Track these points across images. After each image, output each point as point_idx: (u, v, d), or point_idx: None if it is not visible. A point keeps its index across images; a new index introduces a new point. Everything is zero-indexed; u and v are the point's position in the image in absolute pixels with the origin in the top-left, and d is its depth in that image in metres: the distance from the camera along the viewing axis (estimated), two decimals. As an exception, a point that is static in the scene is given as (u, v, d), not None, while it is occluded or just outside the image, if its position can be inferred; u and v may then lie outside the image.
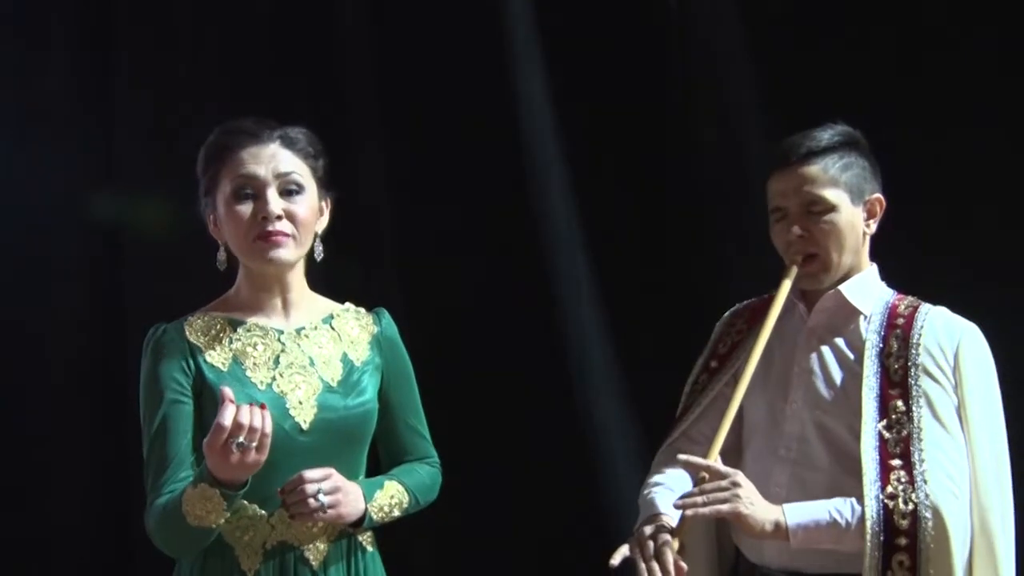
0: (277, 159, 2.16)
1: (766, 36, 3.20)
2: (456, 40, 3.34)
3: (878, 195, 2.30)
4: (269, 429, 1.96)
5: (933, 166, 3.00)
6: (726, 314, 2.49)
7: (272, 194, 2.14)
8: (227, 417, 1.93)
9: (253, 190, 2.15)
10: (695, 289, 3.23)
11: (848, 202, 2.25)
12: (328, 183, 2.25)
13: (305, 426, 2.14)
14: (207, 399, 2.12)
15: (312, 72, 3.37)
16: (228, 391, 1.98)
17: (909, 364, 2.19)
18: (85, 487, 3.37)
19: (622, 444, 3.28)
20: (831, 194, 2.23)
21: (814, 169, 2.24)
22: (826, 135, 2.27)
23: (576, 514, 3.23)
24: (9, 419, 3.33)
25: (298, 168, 2.18)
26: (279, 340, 2.19)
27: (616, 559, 2.10)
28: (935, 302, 2.29)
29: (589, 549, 3.17)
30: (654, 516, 2.18)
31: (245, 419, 1.94)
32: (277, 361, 2.17)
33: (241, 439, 1.93)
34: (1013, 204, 3.01)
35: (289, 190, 2.16)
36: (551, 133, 3.33)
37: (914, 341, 2.21)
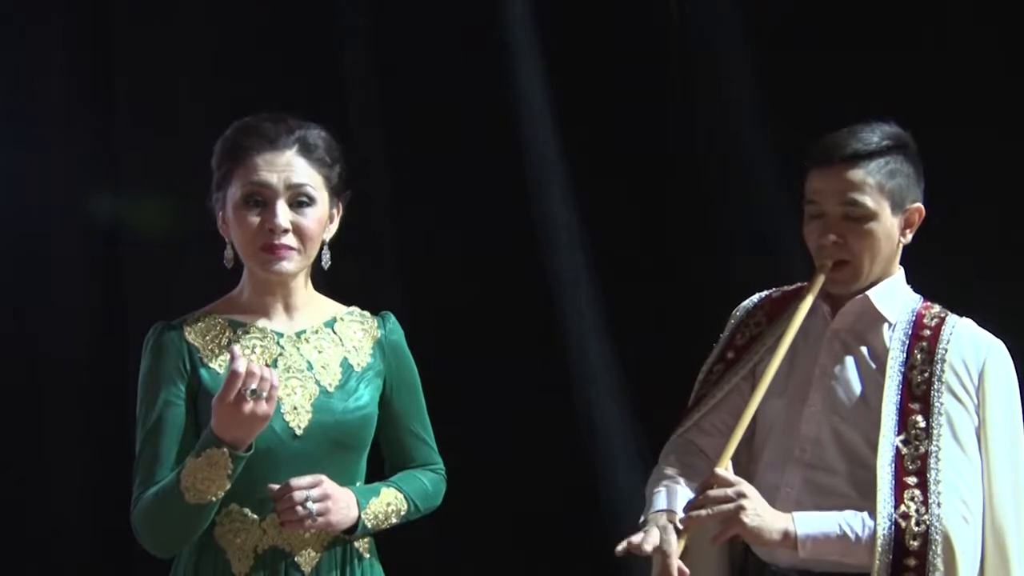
0: (291, 168, 2.12)
1: (766, 36, 3.20)
2: (456, 40, 3.34)
3: (919, 204, 2.22)
4: (277, 383, 1.99)
5: (933, 166, 3.00)
6: (746, 303, 2.42)
7: (281, 206, 2.11)
8: (241, 365, 1.95)
9: (263, 198, 2.11)
10: (695, 289, 3.23)
11: (888, 211, 2.18)
12: (341, 189, 2.22)
13: (299, 431, 2.13)
14: (202, 401, 2.11)
15: (312, 72, 3.37)
16: (236, 348, 2.01)
17: (933, 379, 2.15)
18: (85, 487, 3.37)
19: (622, 443, 3.28)
20: (872, 202, 2.16)
21: (859, 173, 2.16)
22: (875, 137, 2.18)
23: (576, 513, 3.23)
24: (9, 419, 3.34)
25: (312, 180, 2.14)
26: (278, 343, 2.18)
27: (621, 548, 2.09)
28: (941, 302, 2.27)
29: (589, 548, 3.19)
30: (668, 512, 2.17)
31: (256, 369, 1.96)
32: (274, 365, 2.15)
33: (254, 387, 1.94)
34: (1015, 204, 3.01)
35: (300, 201, 2.13)
36: (551, 133, 3.33)
37: (939, 356, 2.17)
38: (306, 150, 2.15)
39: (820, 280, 2.21)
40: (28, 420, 3.36)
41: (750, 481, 2.17)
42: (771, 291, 2.40)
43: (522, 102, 3.32)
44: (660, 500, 2.22)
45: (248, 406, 1.95)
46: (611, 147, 3.33)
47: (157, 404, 2.11)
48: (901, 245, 2.24)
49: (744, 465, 2.28)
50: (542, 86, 3.33)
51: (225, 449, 1.99)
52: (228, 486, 2.02)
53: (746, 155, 3.23)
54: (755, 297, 2.43)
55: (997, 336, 2.23)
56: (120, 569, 3.32)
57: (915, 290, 2.30)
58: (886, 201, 2.17)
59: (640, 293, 3.29)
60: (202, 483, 2.00)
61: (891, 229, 2.20)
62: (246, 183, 2.12)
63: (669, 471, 2.29)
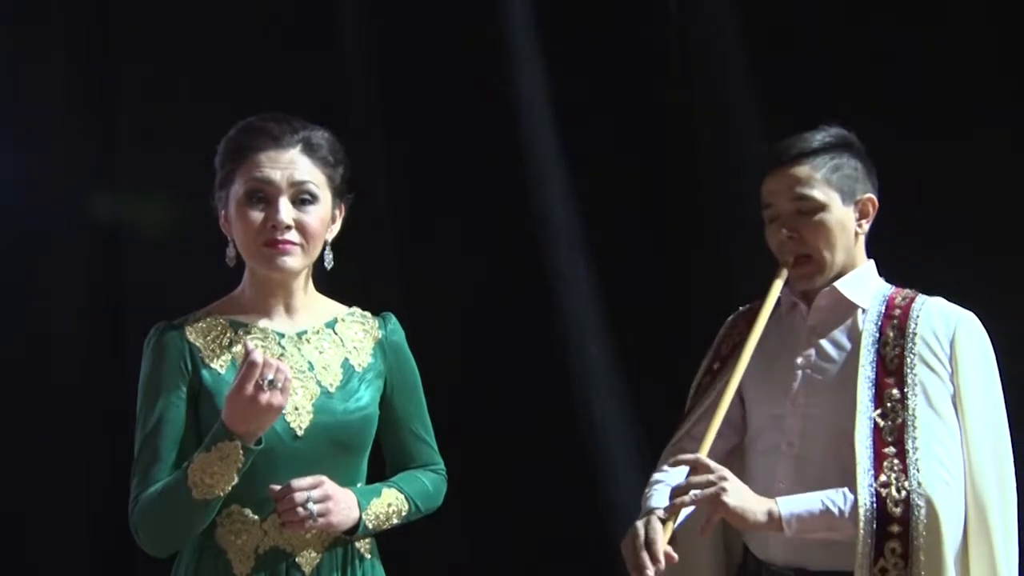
0: (294, 166, 2.14)
1: (765, 36, 3.20)
2: (456, 40, 3.34)
3: (870, 195, 2.32)
4: (290, 374, 2.01)
5: (932, 165, 3.01)
6: (730, 317, 2.51)
7: (284, 203, 2.12)
8: (259, 356, 1.97)
9: (266, 195, 2.13)
10: (695, 289, 3.23)
11: (839, 202, 2.28)
12: (344, 190, 2.23)
13: (300, 432, 2.14)
14: (203, 401, 2.12)
15: (312, 72, 3.37)
16: (250, 342, 2.04)
17: (906, 353, 2.21)
18: (85, 487, 3.37)
19: (622, 443, 3.28)
20: (821, 194, 2.26)
21: (804, 169, 2.28)
22: (817, 137, 2.31)
23: (576, 514, 3.23)
24: (9, 419, 3.34)
25: (315, 178, 2.15)
26: (279, 344, 2.18)
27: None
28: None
29: (589, 548, 3.19)
30: (647, 512, 2.20)
31: (272, 360, 1.98)
32: None
33: (271, 377, 1.96)
34: (1012, 203, 3.02)
35: (302, 199, 2.14)
36: (551, 133, 3.33)
37: (911, 331, 2.23)
38: (310, 149, 2.16)
39: (783, 273, 2.30)
40: (28, 419, 3.35)
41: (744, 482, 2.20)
42: (754, 303, 2.44)
43: (522, 102, 3.32)
44: (648, 503, 2.27)
45: (265, 396, 1.97)
46: (611, 147, 3.33)
47: (158, 404, 2.12)
48: (861, 237, 2.33)
49: (736, 469, 2.29)
50: (542, 85, 3.33)
51: (238, 442, 2.00)
52: (236, 481, 2.03)
53: (745, 155, 3.23)
54: (740, 309, 2.50)
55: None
56: (120, 568, 3.32)
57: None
58: (835, 192, 2.28)
59: (640, 293, 3.29)
60: (211, 477, 2.01)
61: (844, 219, 2.29)
62: (249, 180, 2.13)
63: (660, 476, 2.34)
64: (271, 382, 1.97)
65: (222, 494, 2.03)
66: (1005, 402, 2.26)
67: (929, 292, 2.32)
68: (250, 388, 1.96)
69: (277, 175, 2.13)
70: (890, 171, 2.72)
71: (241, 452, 2.00)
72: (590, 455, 3.29)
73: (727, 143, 3.25)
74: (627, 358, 3.33)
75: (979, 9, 3.06)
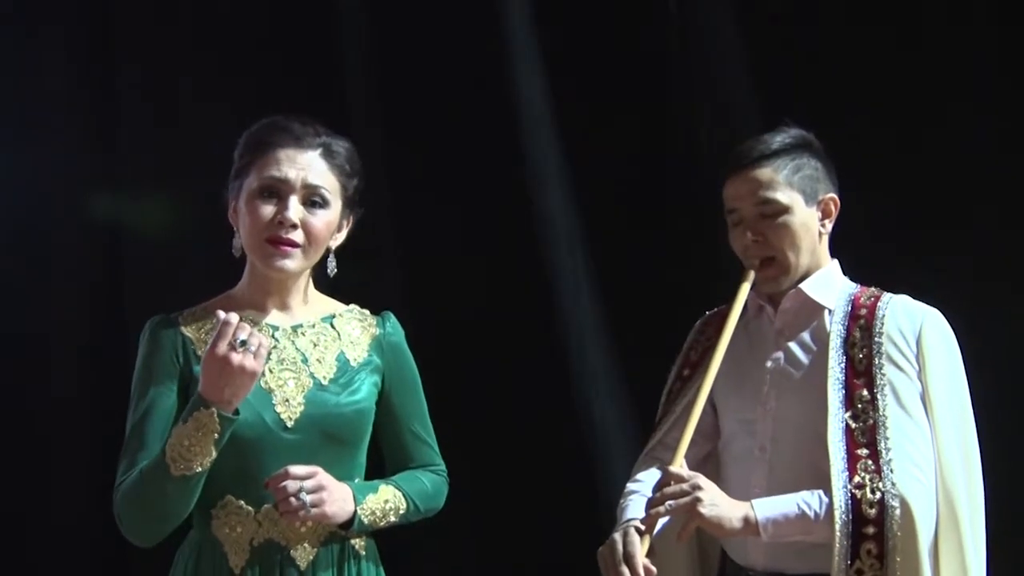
0: (311, 168, 2.16)
1: (765, 36, 3.20)
2: (456, 40, 3.34)
3: (832, 195, 2.33)
4: (266, 342, 2.02)
5: (930, 164, 3.01)
6: (697, 322, 2.51)
7: (294, 201, 2.14)
8: (233, 317, 1.99)
9: (278, 192, 2.15)
10: (694, 288, 3.23)
11: (802, 203, 2.28)
12: (356, 201, 2.25)
13: (291, 423, 2.14)
14: (194, 392, 2.12)
15: (312, 72, 3.37)
16: (220, 312, 2.03)
17: (873, 353, 2.21)
18: (85, 487, 3.37)
19: (621, 443, 3.28)
20: (783, 196, 2.26)
21: (766, 172, 2.27)
22: (777, 139, 2.31)
23: (576, 514, 3.23)
24: (10, 419, 3.34)
25: (328, 183, 2.18)
26: (272, 336, 2.19)
27: None
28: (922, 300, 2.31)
29: (588, 548, 3.19)
30: (624, 523, 2.20)
31: (247, 324, 2.00)
32: (268, 357, 2.16)
33: (244, 337, 1.97)
34: (1012, 204, 3.02)
35: (313, 201, 2.16)
36: (551, 133, 3.34)
37: (877, 330, 2.23)
38: (329, 155, 2.18)
39: (750, 276, 2.30)
40: (28, 420, 3.35)
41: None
42: (721, 307, 2.44)
43: (522, 102, 3.32)
44: (624, 514, 2.26)
45: (237, 357, 1.98)
46: (611, 147, 3.33)
47: (148, 394, 2.14)
48: (824, 237, 2.33)
49: (711, 475, 2.29)
50: (542, 86, 3.33)
51: (213, 409, 2.00)
52: (214, 454, 2.02)
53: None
54: (707, 313, 2.50)
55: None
56: (119, 568, 3.32)
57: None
58: (797, 194, 2.27)
59: (640, 293, 3.29)
60: (188, 451, 2.00)
61: (808, 220, 2.29)
62: (264, 175, 2.15)
63: (633, 486, 2.33)
64: (243, 343, 1.97)
65: (200, 469, 2.02)
66: (993, 403, 2.27)
67: (936, 292, 2.32)
68: (222, 347, 1.97)
69: (292, 174, 2.15)
70: (889, 171, 2.73)
71: (217, 421, 2.00)
72: (590, 455, 3.29)
73: (727, 142, 3.25)
74: (627, 358, 3.33)
75: (979, 9, 3.06)
